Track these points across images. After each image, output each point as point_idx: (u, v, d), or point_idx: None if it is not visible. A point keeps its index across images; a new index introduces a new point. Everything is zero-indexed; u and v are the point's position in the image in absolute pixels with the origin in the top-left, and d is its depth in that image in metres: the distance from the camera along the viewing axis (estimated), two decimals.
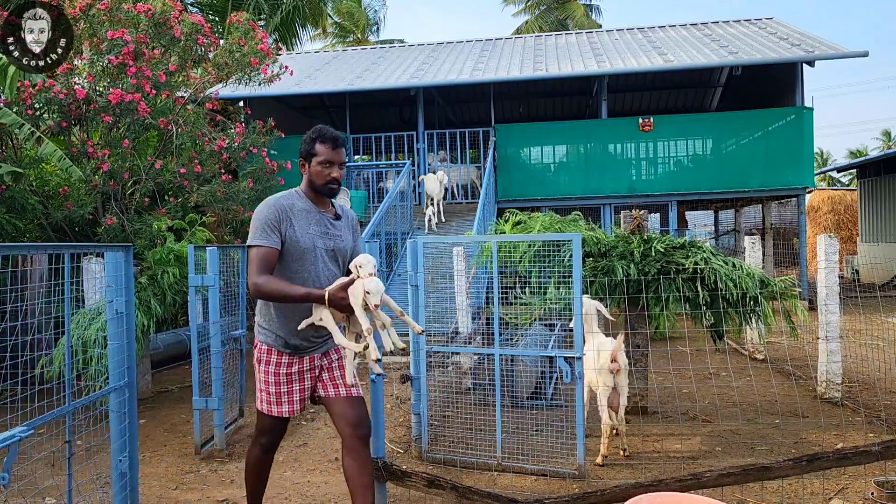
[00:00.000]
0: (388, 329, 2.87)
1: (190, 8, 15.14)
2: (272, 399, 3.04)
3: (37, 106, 7.67)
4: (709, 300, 5.00)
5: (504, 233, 5.98)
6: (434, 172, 11.71)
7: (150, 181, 8.29)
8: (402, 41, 24.25)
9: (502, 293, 5.27)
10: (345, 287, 2.78)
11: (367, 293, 2.72)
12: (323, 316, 2.88)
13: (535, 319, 6.47)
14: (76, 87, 7.74)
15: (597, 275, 5.18)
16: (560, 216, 6.32)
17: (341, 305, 2.78)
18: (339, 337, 2.89)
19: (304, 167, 3.03)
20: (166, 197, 8.54)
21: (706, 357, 7.43)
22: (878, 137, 42.54)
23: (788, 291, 5.13)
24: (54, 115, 7.83)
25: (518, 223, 6.14)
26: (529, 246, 5.24)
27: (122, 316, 2.93)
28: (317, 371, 3.12)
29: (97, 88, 8.11)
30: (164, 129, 8.46)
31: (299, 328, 2.96)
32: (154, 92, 8.10)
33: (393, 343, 2.86)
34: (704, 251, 5.24)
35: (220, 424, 5.12)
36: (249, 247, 2.87)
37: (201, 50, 8.83)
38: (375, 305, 2.73)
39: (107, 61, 7.87)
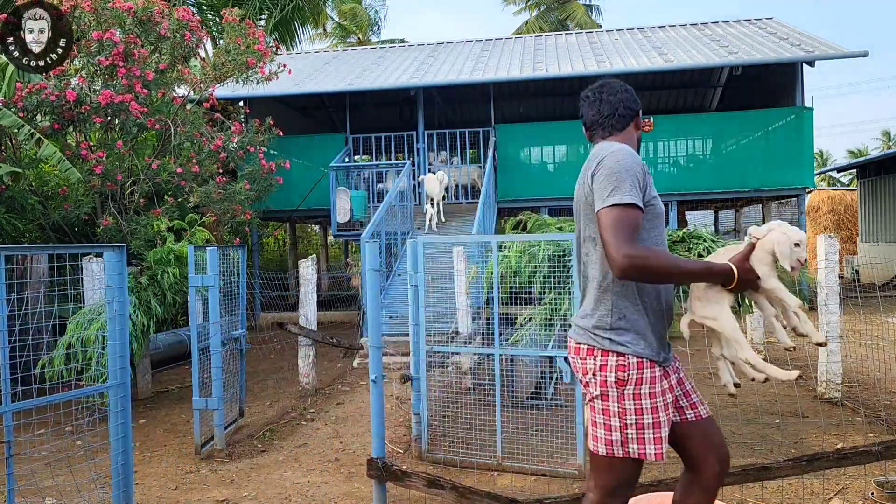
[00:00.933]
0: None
1: (191, 8, 15.13)
2: (647, 435, 2.12)
3: (28, 108, 7.65)
4: None
5: (508, 256, 5.94)
6: (434, 173, 11.71)
7: (148, 181, 8.28)
8: (403, 41, 24.25)
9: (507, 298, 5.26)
10: (746, 257, 2.15)
11: (797, 245, 2.08)
12: (715, 307, 2.16)
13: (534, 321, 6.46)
14: (67, 88, 7.72)
15: None
16: (560, 217, 6.32)
17: (750, 282, 2.12)
18: (743, 344, 2.17)
19: (629, 129, 2.35)
20: (165, 197, 8.54)
21: (706, 357, 7.41)
22: (878, 137, 42.53)
23: None
24: (47, 117, 7.83)
25: (518, 224, 6.13)
26: (536, 269, 5.18)
27: (115, 316, 2.93)
28: (675, 384, 2.27)
29: (93, 88, 8.10)
30: (160, 129, 8.45)
31: (682, 326, 2.26)
32: (146, 91, 8.08)
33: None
34: (705, 239, 5.23)
35: (220, 424, 5.11)
36: (613, 205, 2.03)
37: (191, 45, 8.80)
38: (804, 261, 2.09)
39: (97, 62, 7.86)
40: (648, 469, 4.37)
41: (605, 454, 2.14)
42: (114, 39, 7.76)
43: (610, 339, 2.13)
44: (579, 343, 2.22)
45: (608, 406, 2.14)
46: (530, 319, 5.13)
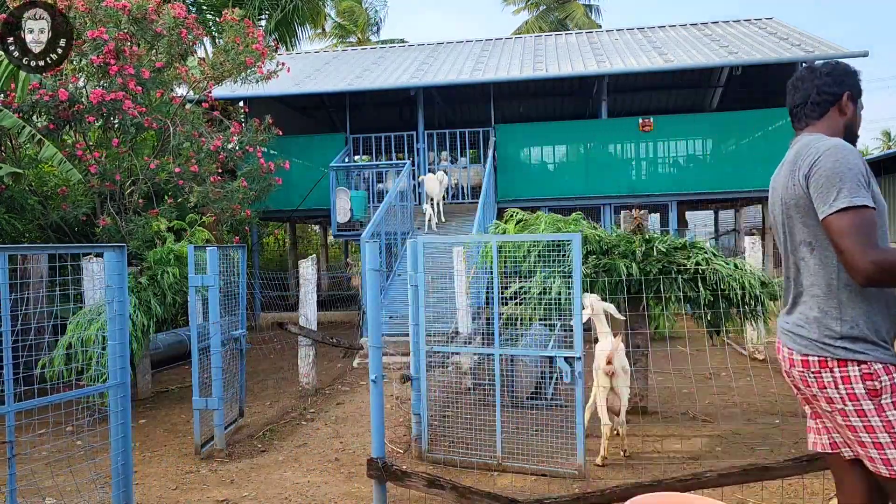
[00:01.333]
0: None
1: (189, 7, 15.12)
2: None
3: (24, 108, 7.65)
4: (711, 300, 5.04)
5: (506, 231, 6.01)
6: (434, 172, 11.72)
7: (147, 182, 8.28)
8: (402, 41, 24.25)
9: (504, 291, 5.27)
10: None
11: None
12: None
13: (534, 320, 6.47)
14: (60, 88, 7.72)
15: (598, 272, 5.21)
16: (561, 216, 6.34)
17: None
18: None
19: (830, 116, 2.15)
20: (165, 197, 8.54)
21: (706, 357, 7.42)
22: (878, 137, 42.52)
23: None
24: (42, 118, 7.83)
25: (520, 221, 6.16)
26: (533, 245, 5.26)
27: (115, 316, 2.93)
28: None
29: (85, 88, 8.09)
30: (158, 128, 8.45)
31: None
32: (140, 89, 8.07)
33: None
34: (706, 251, 5.26)
35: (220, 424, 5.11)
36: (844, 209, 1.88)
37: (188, 43, 8.79)
38: None
39: (89, 61, 7.85)
40: (648, 469, 4.37)
41: (888, 475, 1.93)
42: (103, 37, 7.74)
43: (844, 348, 1.95)
44: (807, 355, 2.03)
45: (869, 422, 1.93)
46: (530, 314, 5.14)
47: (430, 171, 12.53)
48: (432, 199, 11.27)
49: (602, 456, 4.51)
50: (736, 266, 5.16)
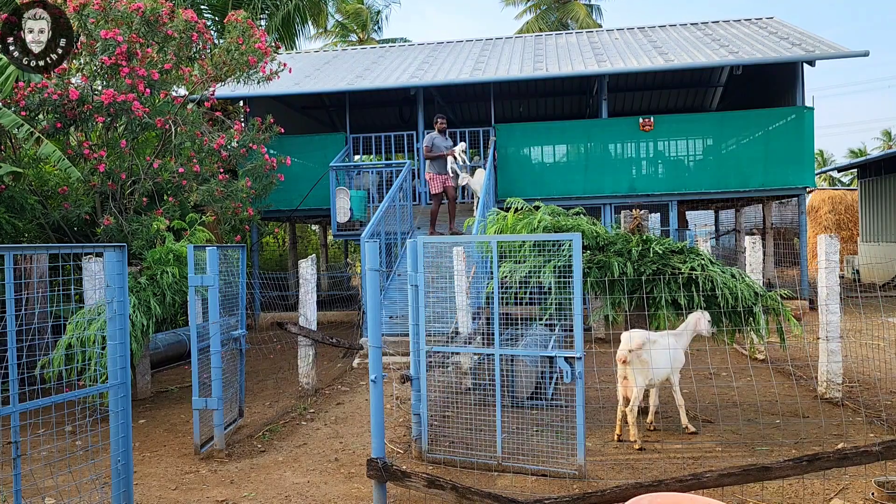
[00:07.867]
0: None
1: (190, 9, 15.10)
2: None
3: (31, 107, 7.65)
4: (703, 306, 5.07)
5: (506, 219, 6.03)
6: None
7: (149, 181, 8.28)
8: (404, 40, 24.24)
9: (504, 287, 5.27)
10: None
11: None
12: None
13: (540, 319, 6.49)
14: (70, 87, 7.72)
15: (591, 268, 5.23)
16: (562, 209, 6.37)
17: None
18: None
19: None
20: (165, 197, 8.53)
21: (706, 357, 7.42)
22: (879, 137, 42.52)
23: (778, 306, 5.15)
24: (49, 116, 7.83)
25: (518, 209, 6.18)
26: (530, 239, 5.28)
27: (116, 316, 2.93)
28: None
29: (94, 88, 8.09)
30: (162, 128, 8.45)
31: None
32: (149, 91, 8.08)
33: None
34: (703, 258, 5.25)
35: (220, 424, 5.11)
36: None
37: (197, 47, 8.80)
38: None
39: (100, 62, 7.86)
40: (648, 469, 4.37)
41: None
42: (117, 39, 7.75)
43: None
44: None
45: None
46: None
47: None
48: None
49: (616, 434, 4.99)
50: (733, 275, 5.15)
